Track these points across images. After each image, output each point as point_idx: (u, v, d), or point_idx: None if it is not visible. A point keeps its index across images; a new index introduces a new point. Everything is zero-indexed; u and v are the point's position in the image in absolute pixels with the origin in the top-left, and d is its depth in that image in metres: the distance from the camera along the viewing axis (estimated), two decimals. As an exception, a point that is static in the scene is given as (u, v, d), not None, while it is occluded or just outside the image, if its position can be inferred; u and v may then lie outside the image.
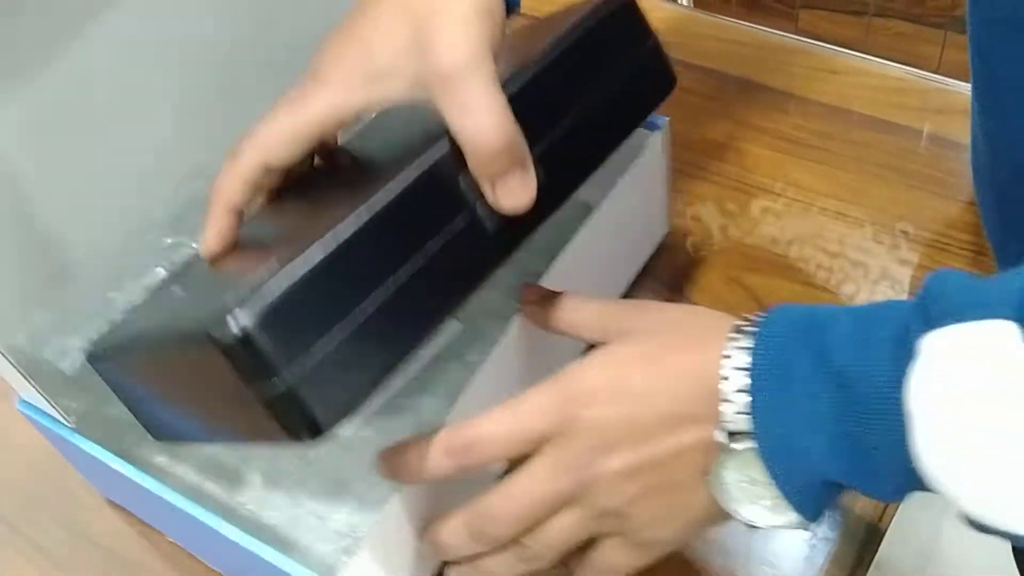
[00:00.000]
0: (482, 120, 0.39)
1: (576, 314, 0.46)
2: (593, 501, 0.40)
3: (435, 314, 0.39)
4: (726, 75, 0.73)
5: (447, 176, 0.40)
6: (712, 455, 0.38)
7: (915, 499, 0.51)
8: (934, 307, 0.33)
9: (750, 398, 0.37)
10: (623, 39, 0.47)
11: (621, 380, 0.40)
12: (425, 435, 0.42)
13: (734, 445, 0.37)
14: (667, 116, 0.56)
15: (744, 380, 0.37)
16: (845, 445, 0.35)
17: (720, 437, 0.38)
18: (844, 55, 0.73)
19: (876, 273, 0.59)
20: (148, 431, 0.47)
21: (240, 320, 0.33)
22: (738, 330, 0.38)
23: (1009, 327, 0.31)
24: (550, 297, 0.47)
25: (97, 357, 0.45)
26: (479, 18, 0.40)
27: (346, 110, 0.42)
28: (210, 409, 0.41)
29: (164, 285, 0.50)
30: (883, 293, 0.58)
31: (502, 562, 0.43)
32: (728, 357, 0.37)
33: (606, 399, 0.40)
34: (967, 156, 0.65)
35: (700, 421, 0.38)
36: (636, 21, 0.48)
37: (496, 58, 0.40)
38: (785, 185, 0.65)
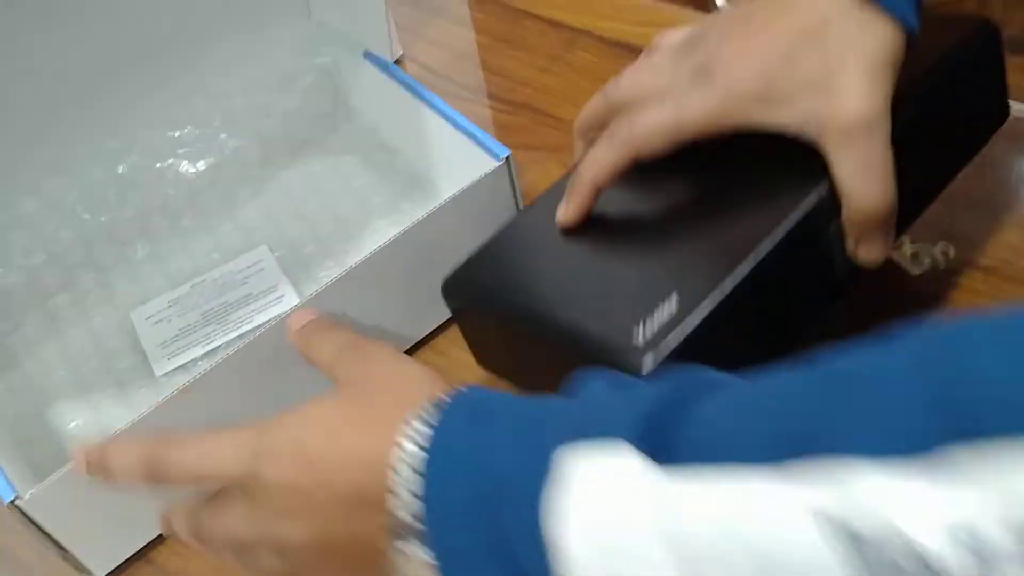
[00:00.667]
0: (876, 185, 0.40)
1: (313, 340, 0.45)
2: (272, 552, 0.38)
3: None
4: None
5: (820, 222, 0.41)
6: (392, 540, 0.34)
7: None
8: (574, 415, 0.32)
9: (418, 501, 0.33)
10: (985, 73, 0.47)
11: (305, 447, 0.37)
12: (135, 437, 0.41)
13: (403, 546, 0.34)
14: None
15: (412, 476, 0.33)
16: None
17: (397, 524, 0.34)
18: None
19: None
20: (474, 355, 0.50)
21: (647, 363, 0.38)
22: (417, 416, 0.35)
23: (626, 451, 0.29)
24: (311, 321, 0.46)
25: (452, 295, 0.49)
26: (890, 69, 0.40)
27: (731, 122, 0.42)
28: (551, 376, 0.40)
29: (516, 227, 0.51)
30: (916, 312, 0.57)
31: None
32: (398, 446, 0.34)
33: (288, 464, 0.37)
34: (1001, 174, 0.64)
35: (377, 507, 0.34)
36: (998, 53, 0.47)
37: None
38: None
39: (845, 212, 0.41)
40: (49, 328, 0.64)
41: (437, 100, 0.63)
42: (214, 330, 0.61)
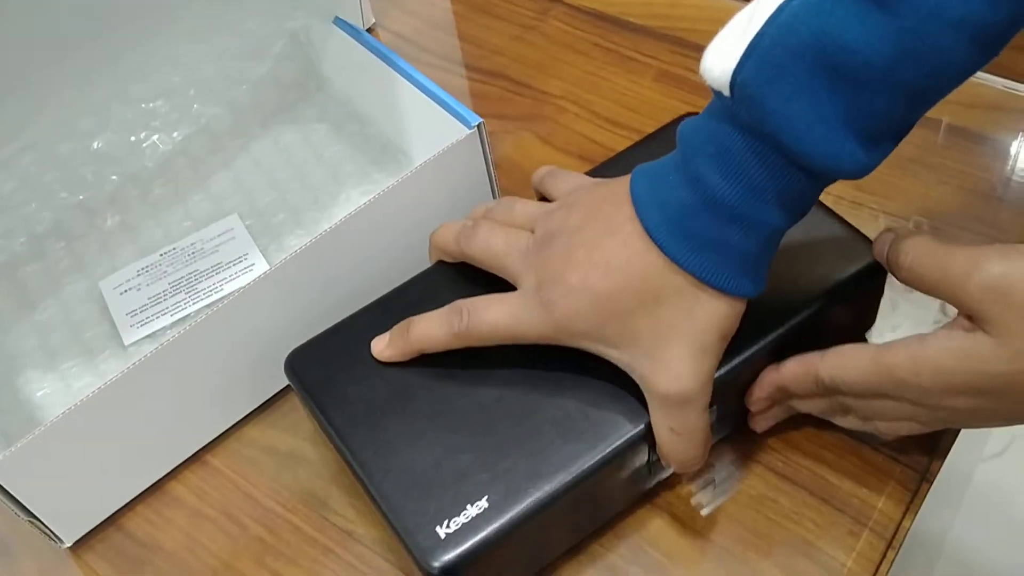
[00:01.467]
0: (687, 448, 0.45)
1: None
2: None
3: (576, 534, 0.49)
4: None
5: (638, 449, 0.46)
6: None
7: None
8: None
9: None
10: (862, 304, 0.53)
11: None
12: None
13: None
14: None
15: None
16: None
17: None
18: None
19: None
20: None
21: (441, 561, 0.42)
22: None
23: None
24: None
25: (292, 370, 0.51)
26: (718, 343, 0.43)
27: (564, 344, 0.45)
28: None
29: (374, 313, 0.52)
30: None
31: (813, 406, 0.48)
32: None
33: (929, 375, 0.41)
34: (986, 148, 0.65)
35: None
36: (879, 286, 0.52)
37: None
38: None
39: (664, 460, 0.46)
40: (19, 297, 0.64)
41: (409, 68, 0.62)
42: (183, 299, 0.61)
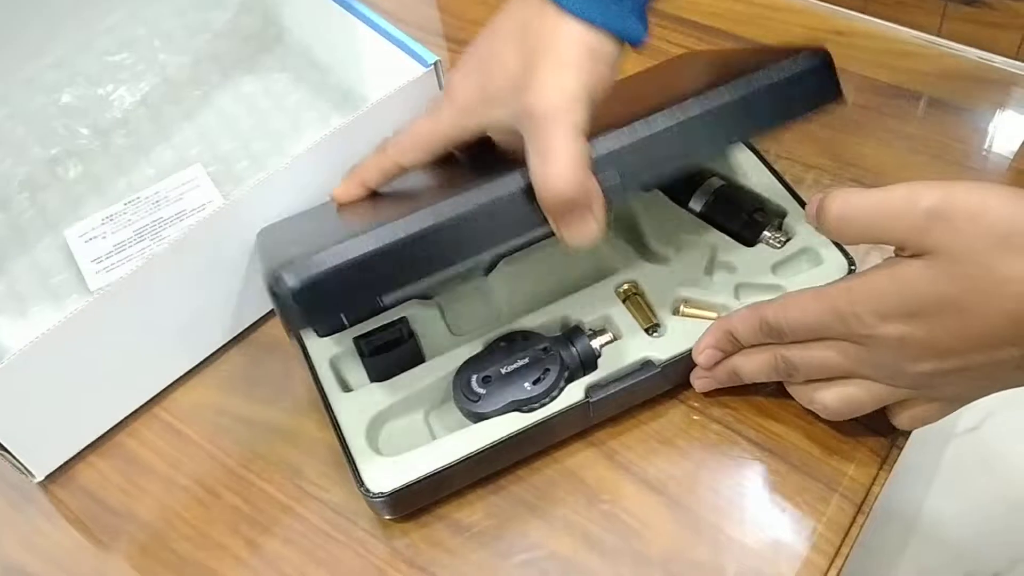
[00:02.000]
0: (554, 169, 0.42)
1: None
2: (904, 384, 0.44)
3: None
4: (726, 33, 0.72)
5: (521, 201, 0.45)
6: None
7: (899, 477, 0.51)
8: None
9: None
10: (811, 98, 0.49)
11: (908, 285, 0.41)
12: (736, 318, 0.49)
13: None
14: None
15: None
16: None
17: None
18: (847, 16, 0.72)
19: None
20: None
21: (284, 282, 0.43)
22: None
23: None
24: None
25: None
26: (582, 62, 0.43)
27: (466, 130, 0.48)
28: None
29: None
30: (874, 260, 0.58)
31: (758, 363, 0.48)
32: None
33: (900, 319, 0.41)
34: (969, 121, 0.65)
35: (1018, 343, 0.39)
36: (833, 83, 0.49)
37: (596, 100, 0.43)
38: (781, 148, 0.64)
39: (537, 196, 0.44)
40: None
41: (366, 12, 0.62)
42: (148, 246, 0.61)
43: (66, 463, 0.55)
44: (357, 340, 0.53)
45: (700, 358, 0.50)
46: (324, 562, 0.50)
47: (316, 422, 0.54)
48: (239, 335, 0.60)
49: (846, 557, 0.47)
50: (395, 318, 0.53)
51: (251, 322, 0.60)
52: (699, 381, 0.52)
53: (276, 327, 0.57)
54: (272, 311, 0.59)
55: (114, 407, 0.56)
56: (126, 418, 0.57)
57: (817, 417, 0.51)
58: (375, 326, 0.53)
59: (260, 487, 0.53)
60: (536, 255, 0.55)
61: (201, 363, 0.59)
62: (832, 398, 0.47)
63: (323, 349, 0.53)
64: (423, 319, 0.54)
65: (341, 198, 0.52)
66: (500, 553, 0.49)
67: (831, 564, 0.47)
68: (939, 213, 0.39)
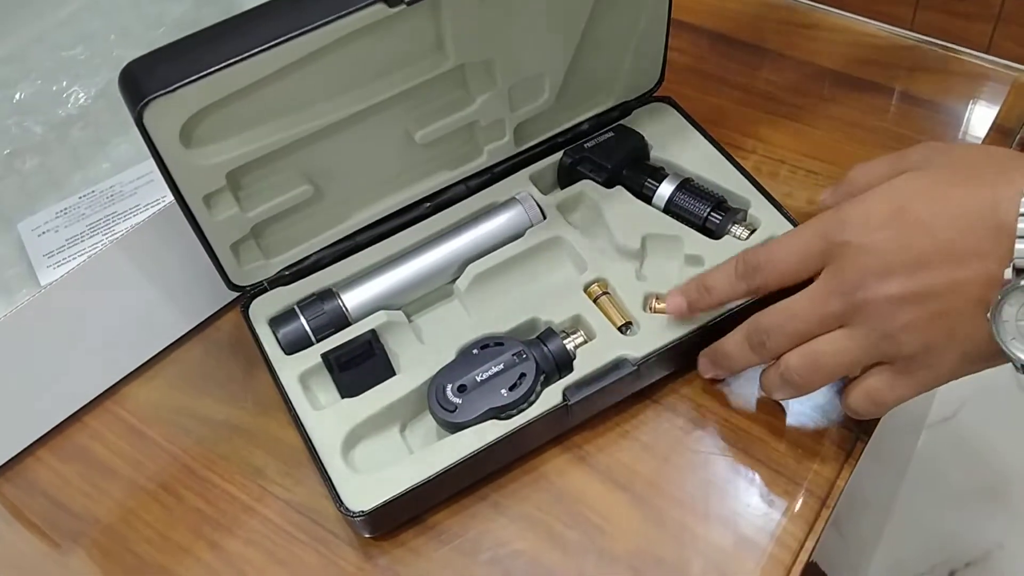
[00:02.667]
0: None
1: (870, 172, 0.47)
2: (865, 324, 0.43)
3: None
4: (699, 29, 0.71)
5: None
6: (992, 290, 0.39)
7: (870, 459, 0.51)
8: None
9: None
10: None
11: (901, 209, 0.42)
12: (715, 267, 0.50)
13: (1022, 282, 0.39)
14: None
15: None
16: None
17: (1008, 274, 0.39)
18: (819, 10, 0.72)
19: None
20: None
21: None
22: None
23: None
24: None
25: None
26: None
27: None
28: None
29: None
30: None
31: (771, 378, 0.48)
32: None
33: (882, 225, 0.42)
34: (938, 115, 0.65)
35: (984, 256, 0.39)
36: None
37: None
38: (756, 142, 0.64)
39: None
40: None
41: None
42: (100, 241, 0.60)
43: (24, 464, 0.54)
44: (325, 356, 0.52)
45: (669, 306, 0.51)
46: (286, 563, 0.49)
47: (278, 421, 0.53)
48: (197, 328, 0.59)
49: (811, 552, 0.47)
50: (363, 331, 0.53)
51: (208, 315, 0.59)
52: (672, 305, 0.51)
53: (235, 321, 0.56)
54: (233, 303, 0.58)
55: (66, 400, 0.55)
56: (85, 417, 0.56)
57: (784, 413, 0.50)
58: (343, 340, 0.52)
59: (222, 488, 0.52)
60: (503, 259, 0.55)
61: (159, 357, 0.58)
62: (796, 357, 0.46)
63: (291, 366, 0.52)
64: (392, 330, 0.53)
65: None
66: (464, 551, 0.48)
67: (795, 560, 0.47)
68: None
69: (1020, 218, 0.38)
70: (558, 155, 0.59)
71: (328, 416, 0.50)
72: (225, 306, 0.59)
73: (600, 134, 0.59)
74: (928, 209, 0.41)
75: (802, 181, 0.61)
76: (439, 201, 0.58)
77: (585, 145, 0.59)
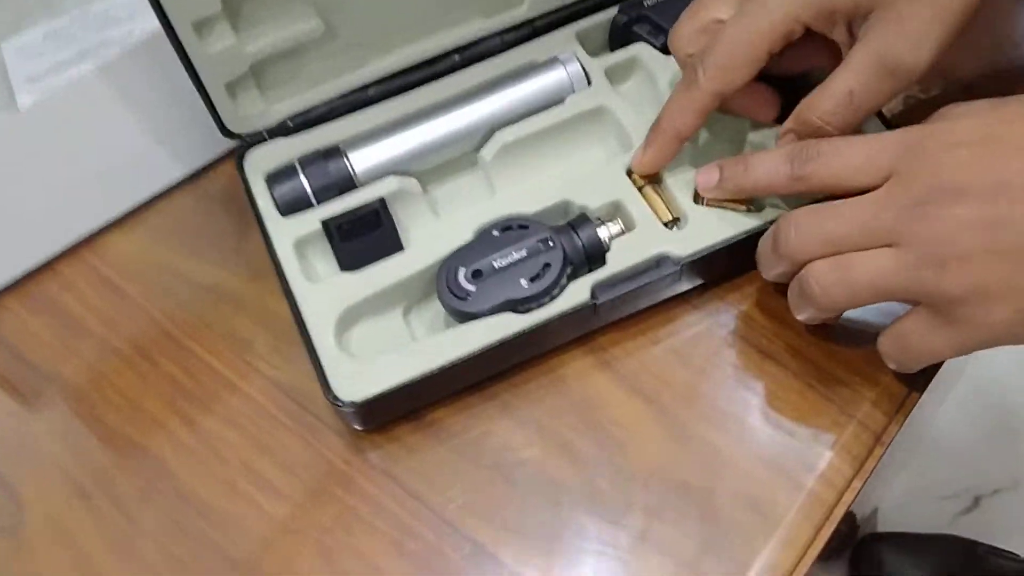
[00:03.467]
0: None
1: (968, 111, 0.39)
2: (916, 245, 0.36)
3: None
4: None
5: None
6: None
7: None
8: None
9: None
10: None
11: (993, 134, 0.36)
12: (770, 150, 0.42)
13: None
14: None
15: None
16: None
17: None
18: None
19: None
20: None
21: None
22: None
23: None
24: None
25: None
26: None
27: (800, 20, 0.41)
28: None
29: None
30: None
31: (792, 289, 0.40)
32: None
33: (970, 142, 0.36)
34: None
35: None
36: None
37: None
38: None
39: (883, 59, 0.40)
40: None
41: None
42: (89, 69, 0.53)
43: (-11, 312, 0.49)
44: (326, 223, 0.45)
45: (700, 176, 0.44)
46: (268, 448, 0.44)
47: (272, 291, 0.47)
48: (190, 178, 0.52)
49: (856, 493, 0.42)
50: (370, 198, 0.46)
51: (202, 164, 0.52)
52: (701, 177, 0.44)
53: (231, 174, 0.49)
54: (229, 154, 0.52)
55: (38, 245, 0.50)
56: (59, 265, 0.50)
57: (844, 336, 0.44)
58: (347, 207, 0.46)
59: (203, 358, 0.47)
60: (536, 128, 0.47)
61: (145, 206, 0.52)
62: (823, 263, 0.38)
63: (287, 230, 0.46)
64: (403, 199, 0.47)
65: (650, 167, 0.45)
66: (465, 454, 0.43)
67: (839, 499, 0.41)
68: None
69: None
70: (612, 11, 0.51)
71: (324, 290, 0.44)
72: (221, 155, 0.53)
73: (669, -10, 0.51)
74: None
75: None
76: (469, 54, 0.50)
77: (644, 2, 0.50)
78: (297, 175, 0.46)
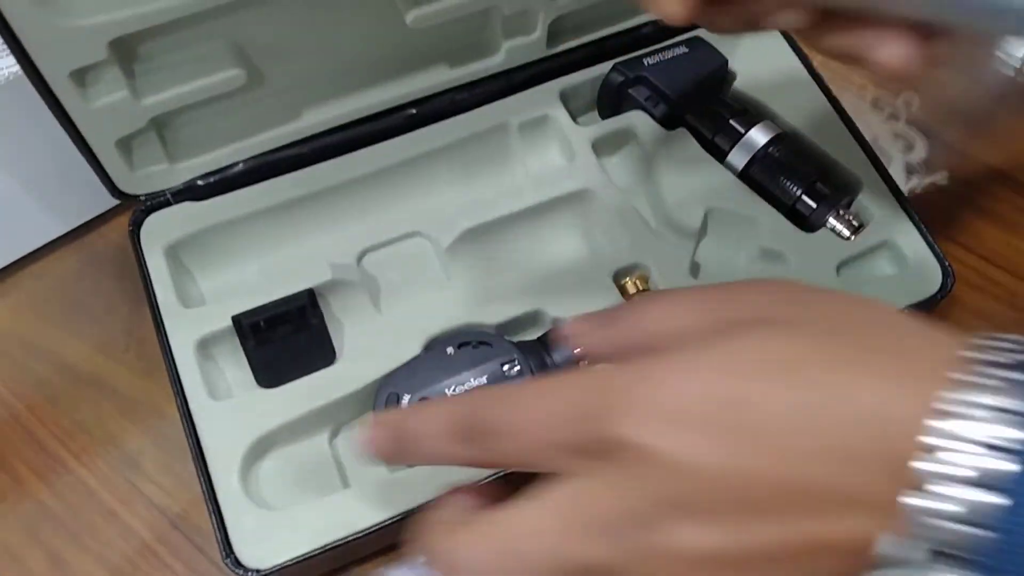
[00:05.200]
0: None
1: (680, 310, 0.26)
2: None
3: None
4: None
5: None
6: (862, 564, 0.22)
7: None
8: None
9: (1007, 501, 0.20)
10: None
11: (740, 399, 0.23)
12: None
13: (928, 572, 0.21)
14: None
15: (999, 464, 0.20)
16: None
17: (885, 543, 0.21)
18: None
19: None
20: None
21: None
22: (982, 360, 0.21)
23: None
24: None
25: None
26: None
27: None
28: None
29: None
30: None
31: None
32: (953, 411, 0.21)
33: (702, 422, 0.23)
34: None
35: (865, 506, 0.22)
36: None
37: None
38: (893, 96, 0.47)
39: None
40: None
41: None
42: None
43: None
44: (238, 319, 0.36)
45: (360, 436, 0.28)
46: (150, 598, 0.36)
47: (166, 388, 0.38)
48: (75, 232, 0.43)
49: None
50: (297, 290, 0.37)
51: (90, 217, 0.43)
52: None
53: (121, 231, 0.40)
54: (117, 207, 0.42)
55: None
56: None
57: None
58: (268, 300, 0.37)
59: (78, 475, 0.38)
60: (505, 213, 0.39)
61: (17, 266, 0.42)
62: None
63: (188, 326, 0.36)
64: (338, 290, 0.38)
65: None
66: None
67: None
68: None
69: (938, 454, 0.21)
70: (604, 67, 0.42)
71: (231, 413, 0.35)
72: (116, 206, 0.43)
73: (667, 47, 0.42)
74: (784, 405, 0.23)
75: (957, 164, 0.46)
76: (429, 109, 0.41)
77: (644, 61, 0.42)
78: None
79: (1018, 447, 0.20)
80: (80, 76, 0.32)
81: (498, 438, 0.25)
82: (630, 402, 0.23)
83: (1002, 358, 0.21)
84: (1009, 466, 0.20)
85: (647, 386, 0.23)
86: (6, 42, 0.30)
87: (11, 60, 0.40)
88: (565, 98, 0.42)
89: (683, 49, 0.42)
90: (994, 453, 0.20)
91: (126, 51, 0.33)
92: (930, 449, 0.20)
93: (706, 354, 0.23)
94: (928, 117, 0.46)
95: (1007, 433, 0.20)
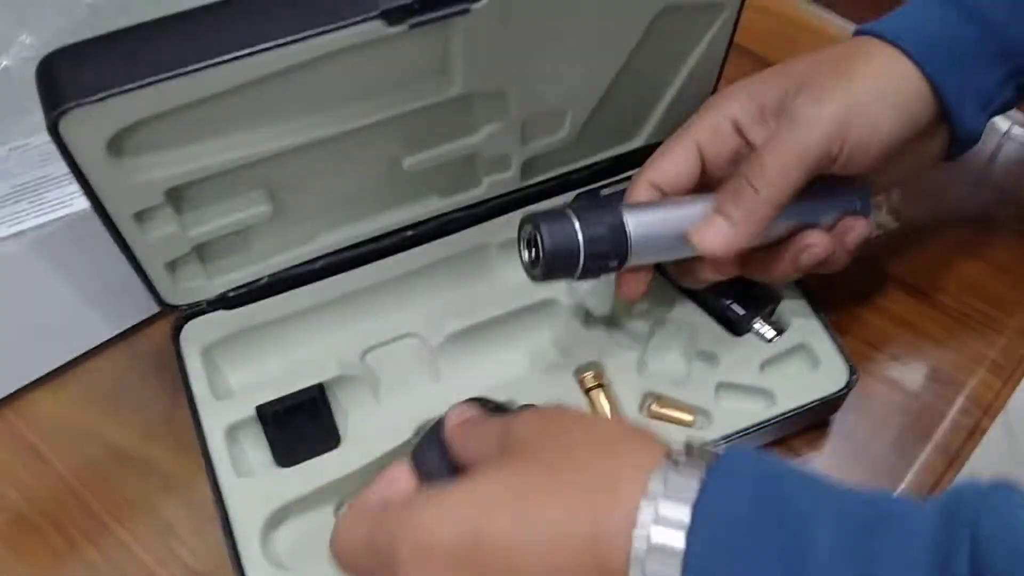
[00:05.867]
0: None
1: (471, 432, 0.34)
2: None
3: None
4: (758, 57, 0.62)
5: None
6: None
7: None
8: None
9: None
10: None
11: (477, 537, 0.28)
12: None
13: None
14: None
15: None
16: None
17: None
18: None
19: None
20: None
21: None
22: (666, 475, 0.27)
23: None
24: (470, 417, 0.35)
25: None
26: None
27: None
28: None
29: None
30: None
31: None
32: (653, 522, 0.27)
33: (447, 561, 0.28)
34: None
35: None
36: None
37: None
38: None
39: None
40: None
41: None
42: (24, 209, 0.50)
43: None
44: (262, 409, 0.44)
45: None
46: (183, 649, 0.43)
47: (200, 468, 0.45)
48: (123, 335, 0.51)
49: None
50: (310, 383, 0.45)
51: (136, 322, 0.51)
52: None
53: (163, 334, 0.48)
54: (159, 313, 0.50)
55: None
56: (-25, 424, 0.48)
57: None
58: (285, 392, 0.44)
59: (122, 539, 0.45)
60: (483, 319, 0.47)
61: (73, 364, 0.50)
62: None
63: (220, 414, 0.44)
64: (343, 384, 0.45)
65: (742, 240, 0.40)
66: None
67: None
68: None
69: (627, 564, 0.26)
70: (569, 196, 0.50)
71: (254, 487, 0.43)
72: (160, 313, 0.51)
73: (623, 179, 0.50)
74: (513, 539, 0.28)
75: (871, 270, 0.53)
76: (424, 231, 0.49)
77: (602, 191, 0.50)
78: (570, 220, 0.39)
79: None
80: (140, 216, 0.41)
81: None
82: (402, 538, 0.29)
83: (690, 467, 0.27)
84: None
85: (412, 525, 0.29)
86: (84, 192, 0.38)
87: (84, 202, 0.49)
88: (536, 221, 0.50)
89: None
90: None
91: (178, 196, 0.41)
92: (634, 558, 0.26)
93: (459, 491, 0.29)
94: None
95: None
